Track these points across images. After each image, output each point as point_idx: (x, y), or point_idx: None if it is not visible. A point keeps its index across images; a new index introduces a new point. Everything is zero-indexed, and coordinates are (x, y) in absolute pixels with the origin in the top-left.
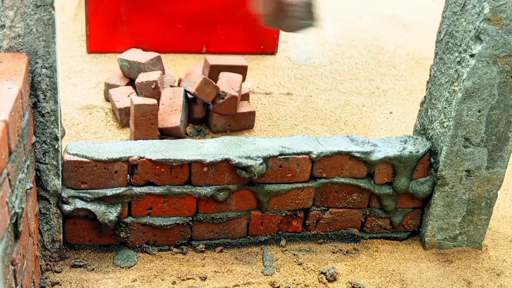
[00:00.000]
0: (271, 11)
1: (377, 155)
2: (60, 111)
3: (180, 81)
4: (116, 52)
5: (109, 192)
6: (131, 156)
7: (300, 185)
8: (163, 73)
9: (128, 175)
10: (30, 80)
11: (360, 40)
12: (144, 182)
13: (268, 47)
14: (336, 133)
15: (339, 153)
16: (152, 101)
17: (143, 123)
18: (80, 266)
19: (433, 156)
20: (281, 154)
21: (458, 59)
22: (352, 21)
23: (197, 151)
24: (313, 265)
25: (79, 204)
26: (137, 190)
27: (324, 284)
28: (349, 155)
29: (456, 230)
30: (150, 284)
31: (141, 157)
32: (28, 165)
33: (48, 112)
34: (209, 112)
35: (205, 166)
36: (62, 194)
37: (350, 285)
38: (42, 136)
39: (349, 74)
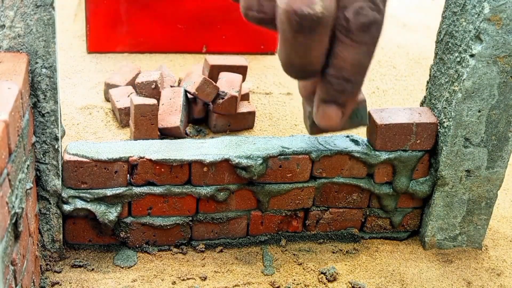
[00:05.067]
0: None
1: (377, 155)
2: (60, 111)
3: (180, 81)
4: (116, 52)
5: (109, 192)
6: (131, 156)
7: (300, 185)
8: (163, 73)
9: (128, 175)
10: (30, 80)
11: None
12: (144, 182)
13: (268, 47)
14: (336, 133)
15: (339, 153)
16: (152, 101)
17: (143, 123)
18: (80, 266)
19: (433, 156)
20: (281, 154)
21: (458, 59)
22: None
23: (197, 151)
24: (313, 265)
25: (79, 204)
26: (137, 190)
27: (324, 284)
28: (349, 155)
29: (456, 230)
30: (150, 284)
31: (141, 157)
32: (28, 165)
33: (48, 112)
34: (209, 112)
35: (205, 166)
36: (62, 194)
37: (350, 285)
38: (42, 136)
39: None
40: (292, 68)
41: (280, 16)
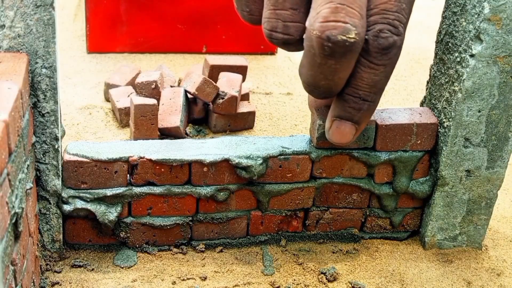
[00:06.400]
0: None
1: (377, 155)
2: (60, 111)
3: (180, 81)
4: (116, 52)
5: (109, 192)
6: (131, 156)
7: (300, 185)
8: (163, 73)
9: (128, 175)
10: (30, 80)
11: None
12: (144, 182)
13: (268, 47)
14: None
15: (339, 153)
16: (152, 101)
17: (143, 123)
18: (80, 266)
19: (433, 156)
20: (281, 154)
21: (458, 59)
22: None
23: (197, 151)
24: (313, 265)
25: (79, 204)
26: (137, 190)
27: (324, 284)
28: (349, 155)
29: (456, 230)
30: (150, 284)
31: (141, 157)
32: (28, 165)
33: (48, 112)
34: (209, 112)
35: (205, 166)
36: (62, 194)
37: (350, 285)
38: (42, 136)
39: None
40: (317, 89)
41: (311, 41)
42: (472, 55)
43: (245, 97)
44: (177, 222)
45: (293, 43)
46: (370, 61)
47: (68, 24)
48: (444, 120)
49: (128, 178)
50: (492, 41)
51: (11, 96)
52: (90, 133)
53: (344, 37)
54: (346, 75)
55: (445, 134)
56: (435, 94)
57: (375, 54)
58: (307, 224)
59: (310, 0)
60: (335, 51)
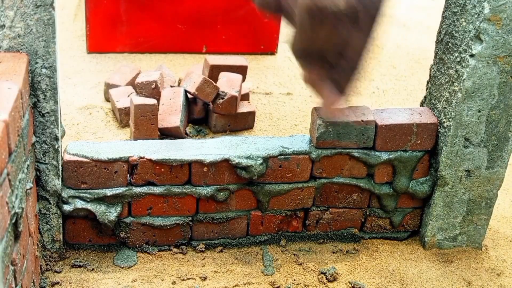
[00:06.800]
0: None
1: (377, 155)
2: (60, 111)
3: (180, 81)
4: (116, 52)
5: (109, 192)
6: (131, 156)
7: (300, 185)
8: (163, 73)
9: (128, 175)
10: (30, 80)
11: None
12: (144, 182)
13: (268, 47)
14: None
15: (339, 153)
16: (152, 101)
17: (143, 123)
18: (80, 266)
19: (433, 156)
20: (281, 154)
21: (458, 59)
22: None
23: (197, 151)
24: (313, 265)
25: (79, 204)
26: (137, 190)
27: (324, 284)
28: (349, 155)
29: (456, 230)
30: (150, 284)
31: (141, 157)
32: (28, 165)
33: (48, 112)
34: (209, 112)
35: (205, 166)
36: (62, 194)
37: (350, 285)
38: (42, 136)
39: None
40: (306, 55)
41: (301, 8)
42: (472, 55)
43: (245, 97)
44: (177, 222)
45: (271, 7)
46: (354, 26)
47: (68, 24)
48: (444, 120)
49: (128, 178)
50: (492, 41)
51: (11, 96)
52: (90, 133)
53: (332, 5)
54: (334, 40)
55: (445, 134)
56: (435, 94)
57: (360, 20)
58: (307, 224)
59: None
60: (323, 18)
